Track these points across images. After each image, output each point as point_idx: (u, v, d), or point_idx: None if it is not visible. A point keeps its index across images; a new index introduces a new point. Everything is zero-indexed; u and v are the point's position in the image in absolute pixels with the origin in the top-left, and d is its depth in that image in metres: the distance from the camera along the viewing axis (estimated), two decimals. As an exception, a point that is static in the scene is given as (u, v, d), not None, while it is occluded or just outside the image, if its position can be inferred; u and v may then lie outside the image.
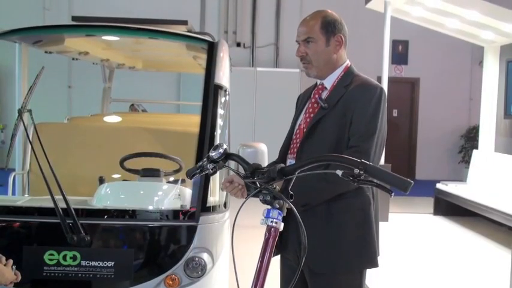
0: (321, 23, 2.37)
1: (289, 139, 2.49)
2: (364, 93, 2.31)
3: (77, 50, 4.48)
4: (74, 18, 4.08)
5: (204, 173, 1.88)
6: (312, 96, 2.49)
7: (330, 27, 2.37)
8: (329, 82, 2.43)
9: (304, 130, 2.39)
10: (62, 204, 2.68)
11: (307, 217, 2.15)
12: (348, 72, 2.43)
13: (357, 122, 2.28)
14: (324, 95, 2.42)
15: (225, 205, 3.10)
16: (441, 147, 13.15)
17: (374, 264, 2.35)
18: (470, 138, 12.50)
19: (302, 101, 2.56)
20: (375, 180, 1.53)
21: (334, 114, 2.32)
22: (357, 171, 1.51)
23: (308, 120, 2.41)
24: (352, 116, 2.28)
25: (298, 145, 2.39)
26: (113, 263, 2.73)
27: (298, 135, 2.43)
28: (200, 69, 5.31)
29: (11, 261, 2.37)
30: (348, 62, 2.47)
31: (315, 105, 2.43)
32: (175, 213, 2.86)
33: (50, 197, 2.69)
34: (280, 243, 2.35)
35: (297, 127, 2.47)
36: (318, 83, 2.49)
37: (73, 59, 5.14)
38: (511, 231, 7.19)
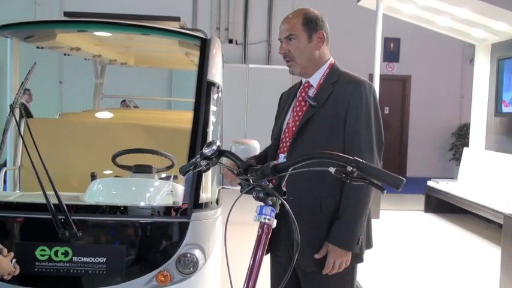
0: (303, 20, 2.39)
1: (277, 138, 2.49)
2: (354, 92, 2.33)
3: (69, 45, 4.46)
4: (66, 14, 4.07)
5: (197, 170, 1.89)
6: (298, 94, 2.50)
7: (311, 23, 2.39)
8: (315, 80, 2.45)
9: (294, 129, 2.40)
10: (53, 200, 2.67)
11: (298, 214, 2.17)
12: (333, 69, 2.45)
13: (352, 129, 2.31)
14: (311, 93, 2.43)
15: (217, 202, 3.10)
16: (432, 144, 13.22)
17: (360, 259, 2.38)
18: (461, 136, 12.57)
19: (288, 99, 2.57)
20: (368, 178, 1.54)
21: (324, 112, 2.34)
22: (349, 168, 1.52)
23: (297, 118, 2.42)
24: (345, 116, 2.31)
25: (288, 144, 2.40)
26: (104, 259, 2.73)
27: (287, 134, 2.44)
28: (192, 65, 5.31)
29: (11, 254, 2.39)
30: (331, 59, 2.49)
31: (303, 103, 2.44)
32: (168, 210, 2.86)
33: (41, 192, 2.68)
34: (271, 240, 2.36)
35: (285, 126, 2.48)
36: (304, 81, 2.50)
37: (65, 54, 5.11)
38: (501, 228, 7.24)
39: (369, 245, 2.46)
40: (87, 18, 3.93)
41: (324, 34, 2.42)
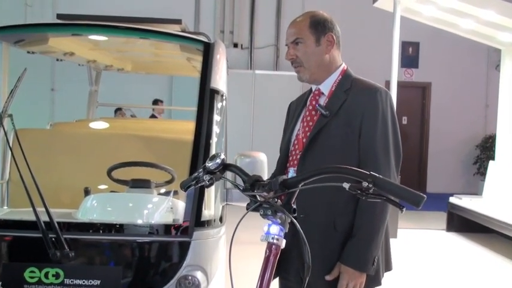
0: (310, 23, 2.41)
1: (286, 151, 2.50)
2: (370, 100, 2.33)
3: (62, 50, 4.49)
4: (59, 16, 4.10)
5: (199, 185, 1.89)
6: (308, 103, 2.50)
7: (319, 26, 2.41)
8: (326, 87, 2.45)
9: (304, 140, 2.41)
10: (44, 217, 2.67)
11: (309, 233, 2.17)
12: (346, 76, 2.46)
13: (368, 141, 2.31)
14: (323, 101, 2.44)
15: (220, 219, 3.10)
16: (454, 157, 13.18)
17: (377, 282, 2.37)
18: (486, 148, 12.53)
19: (297, 108, 2.58)
20: (385, 194, 1.54)
21: (337, 122, 2.35)
22: (365, 184, 1.52)
23: (307, 129, 2.42)
24: (360, 127, 2.31)
25: (299, 157, 2.40)
26: (99, 282, 2.73)
27: (297, 146, 2.44)
28: (194, 72, 5.33)
29: None
30: (344, 65, 2.50)
31: (313, 112, 2.44)
32: (167, 228, 2.86)
33: (31, 209, 2.68)
34: (279, 262, 2.36)
35: (294, 137, 2.49)
36: (314, 89, 2.51)
37: (57, 59, 5.14)
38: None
39: (387, 267, 2.45)
40: (81, 21, 3.96)
41: (334, 37, 2.43)
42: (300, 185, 1.67)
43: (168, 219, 2.95)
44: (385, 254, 2.41)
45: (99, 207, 3.12)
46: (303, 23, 2.42)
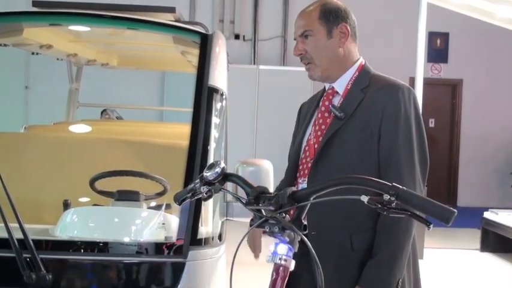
0: (320, 12, 2.43)
1: (295, 158, 2.50)
2: (390, 99, 2.34)
3: (38, 42, 4.51)
4: (34, 4, 4.12)
5: (196, 198, 1.89)
6: (320, 103, 2.51)
7: (331, 16, 2.43)
8: (341, 85, 2.46)
9: (316, 146, 2.41)
10: (17, 234, 2.68)
11: (322, 253, 2.17)
12: (364, 72, 2.47)
13: (389, 146, 2.32)
14: (337, 101, 2.45)
15: (220, 237, 3.10)
16: (489, 166, 13.15)
17: None
18: (526, 156, 12.53)
19: (308, 111, 2.58)
20: (409, 209, 1.54)
21: (353, 124, 2.35)
22: (387, 197, 1.52)
23: (319, 133, 2.43)
24: (380, 130, 2.31)
25: (310, 165, 2.41)
26: (79, 309, 2.74)
27: (308, 153, 2.45)
28: (190, 67, 5.34)
29: None
30: (361, 60, 2.51)
31: (326, 114, 2.45)
32: (158, 247, 2.86)
33: (2, 225, 2.69)
34: (288, 286, 2.36)
35: (304, 143, 2.50)
36: (327, 88, 2.51)
37: (32, 53, 5.17)
38: None
39: None
40: (60, 8, 3.98)
41: (348, 28, 2.44)
42: (312, 198, 1.68)
43: (160, 237, 2.96)
44: (414, 278, 2.40)
45: (80, 222, 3.13)
46: (313, 13, 2.43)
